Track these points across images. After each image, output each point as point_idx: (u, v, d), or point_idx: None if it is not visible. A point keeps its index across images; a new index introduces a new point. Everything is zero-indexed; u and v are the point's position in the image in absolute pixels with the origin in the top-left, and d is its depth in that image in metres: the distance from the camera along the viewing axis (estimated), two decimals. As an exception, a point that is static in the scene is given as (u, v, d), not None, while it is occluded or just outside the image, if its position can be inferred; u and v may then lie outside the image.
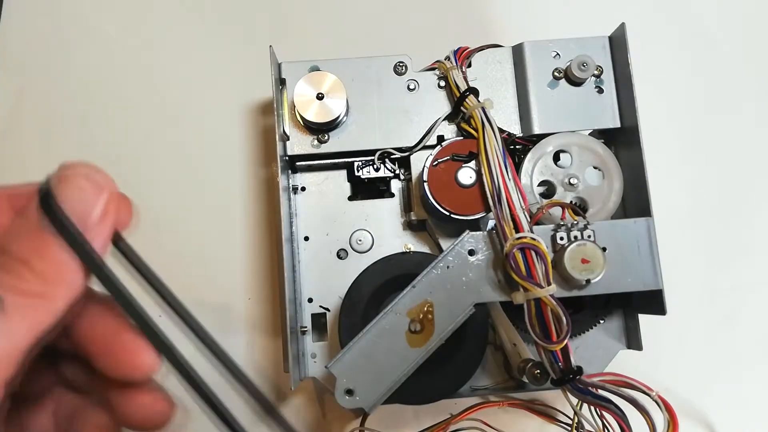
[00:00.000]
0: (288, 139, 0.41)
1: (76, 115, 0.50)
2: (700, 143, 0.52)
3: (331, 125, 0.40)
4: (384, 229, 0.42)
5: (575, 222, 0.37)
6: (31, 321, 0.18)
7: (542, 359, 0.35)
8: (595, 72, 0.40)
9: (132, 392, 0.24)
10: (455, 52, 0.41)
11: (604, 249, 0.36)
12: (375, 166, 0.42)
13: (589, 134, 0.41)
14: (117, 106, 0.50)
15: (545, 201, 0.40)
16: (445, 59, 0.41)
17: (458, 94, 0.40)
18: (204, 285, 0.47)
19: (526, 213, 0.36)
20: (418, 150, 0.41)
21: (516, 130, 0.41)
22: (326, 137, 0.41)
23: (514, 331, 0.40)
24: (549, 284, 0.35)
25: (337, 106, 0.39)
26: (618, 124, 0.40)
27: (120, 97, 0.51)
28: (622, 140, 0.41)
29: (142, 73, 0.51)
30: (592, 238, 0.37)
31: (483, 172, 0.37)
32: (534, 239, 0.35)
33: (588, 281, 0.36)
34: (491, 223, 0.37)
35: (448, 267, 0.37)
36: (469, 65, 0.41)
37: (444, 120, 0.41)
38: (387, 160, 0.42)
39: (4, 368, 0.18)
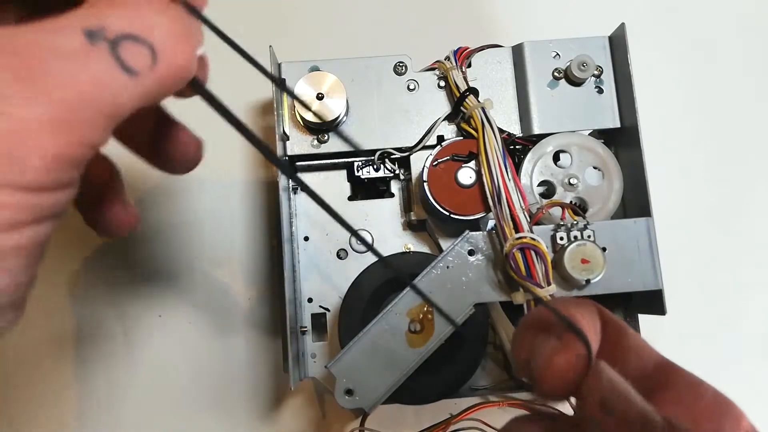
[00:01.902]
0: (288, 139, 0.41)
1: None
2: (700, 143, 0.52)
3: (331, 125, 0.40)
4: (384, 229, 0.42)
5: (575, 222, 0.37)
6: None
7: (542, 359, 0.35)
8: (595, 72, 0.40)
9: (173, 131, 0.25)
10: (455, 52, 0.41)
11: (604, 249, 0.36)
12: (375, 166, 0.42)
13: (589, 134, 0.42)
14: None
15: (545, 201, 0.40)
16: (445, 59, 0.41)
17: (458, 94, 0.40)
18: (204, 285, 0.47)
19: (526, 213, 0.36)
20: (418, 150, 0.41)
21: (516, 130, 0.41)
22: (326, 137, 0.41)
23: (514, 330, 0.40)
24: (549, 284, 0.35)
25: (337, 106, 0.39)
26: (618, 124, 0.40)
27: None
28: (622, 140, 0.41)
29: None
30: (592, 238, 0.37)
31: (483, 172, 0.37)
32: (534, 239, 0.35)
33: (588, 281, 0.36)
34: (491, 223, 0.37)
35: (448, 267, 0.37)
36: (469, 65, 0.41)
37: (444, 120, 0.41)
38: (387, 160, 0.42)
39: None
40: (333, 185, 0.43)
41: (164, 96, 0.20)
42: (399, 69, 0.41)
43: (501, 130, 0.39)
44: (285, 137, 0.41)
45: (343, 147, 0.41)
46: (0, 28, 0.17)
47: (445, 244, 0.40)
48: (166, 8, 0.19)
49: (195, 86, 0.21)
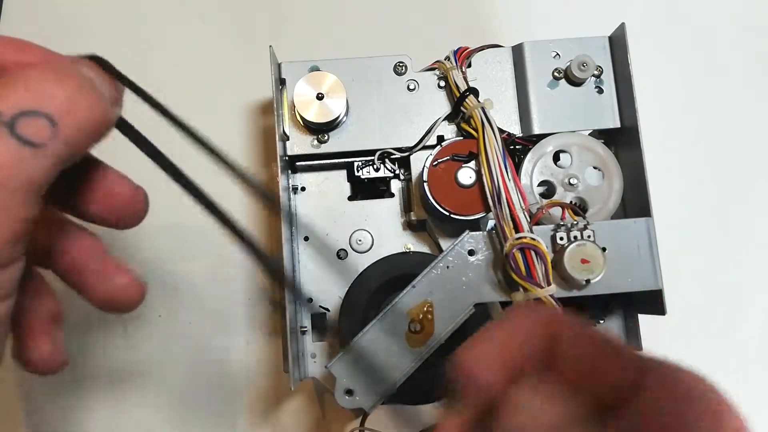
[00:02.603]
0: (288, 139, 0.41)
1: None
2: (700, 143, 0.52)
3: (331, 125, 0.40)
4: (384, 229, 0.42)
5: (575, 222, 0.37)
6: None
7: (542, 359, 0.35)
8: (595, 72, 0.40)
9: (106, 274, 0.25)
10: (455, 52, 0.41)
11: (603, 249, 0.36)
12: (375, 166, 0.42)
13: (589, 134, 0.42)
14: (117, 106, 0.50)
15: (545, 201, 0.40)
16: (445, 59, 0.41)
17: (458, 94, 0.40)
18: (204, 285, 0.47)
19: (526, 213, 0.36)
20: (418, 150, 0.41)
21: (516, 130, 0.41)
22: (326, 137, 0.41)
23: (514, 331, 0.40)
24: (549, 284, 0.35)
25: (337, 106, 0.39)
26: (618, 124, 0.40)
27: (120, 97, 0.51)
28: (622, 140, 0.41)
29: (142, 73, 0.51)
30: (591, 238, 0.37)
31: (483, 172, 0.37)
32: (534, 239, 0.35)
33: (588, 281, 0.36)
34: (491, 223, 0.37)
35: (448, 267, 0.37)
36: (469, 65, 0.41)
37: (444, 120, 0.41)
38: (387, 160, 0.42)
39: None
40: (333, 185, 0.43)
41: (83, 150, 0.20)
42: (399, 69, 0.41)
43: (501, 130, 0.39)
44: (285, 137, 0.41)
45: (343, 147, 0.41)
46: None
47: (445, 244, 0.40)
48: (57, 75, 0.19)
49: (122, 127, 0.22)
